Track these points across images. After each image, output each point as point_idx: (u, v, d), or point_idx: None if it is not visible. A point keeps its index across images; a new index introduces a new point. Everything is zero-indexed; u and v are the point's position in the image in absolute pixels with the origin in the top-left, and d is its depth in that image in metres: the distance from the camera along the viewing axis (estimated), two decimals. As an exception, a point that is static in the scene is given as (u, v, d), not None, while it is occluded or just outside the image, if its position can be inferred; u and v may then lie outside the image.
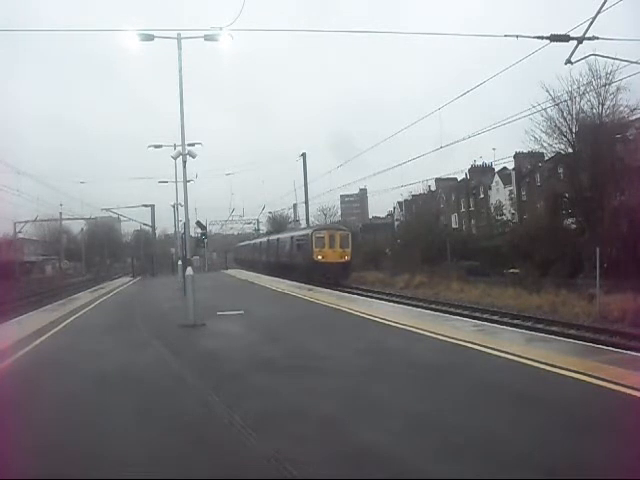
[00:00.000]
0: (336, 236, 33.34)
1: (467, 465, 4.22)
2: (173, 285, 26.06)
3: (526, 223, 34.20)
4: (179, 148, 15.79)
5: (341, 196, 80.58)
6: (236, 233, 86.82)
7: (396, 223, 60.25)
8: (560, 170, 32.35)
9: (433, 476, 4.10)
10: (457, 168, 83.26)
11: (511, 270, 27.08)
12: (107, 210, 50.92)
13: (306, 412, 5.73)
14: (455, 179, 57.53)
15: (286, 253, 39.42)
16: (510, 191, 47.36)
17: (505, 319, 16.48)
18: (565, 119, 29.49)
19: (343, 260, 32.70)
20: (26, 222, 58.32)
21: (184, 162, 15.47)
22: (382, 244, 48.93)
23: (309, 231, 34.73)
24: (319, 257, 32.18)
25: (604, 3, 12.31)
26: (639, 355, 7.52)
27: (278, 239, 43.71)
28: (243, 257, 65.16)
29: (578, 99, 28.63)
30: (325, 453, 4.60)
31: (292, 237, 38.55)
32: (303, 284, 25.62)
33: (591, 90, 27.79)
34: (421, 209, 51.73)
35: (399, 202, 61.39)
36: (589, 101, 28.80)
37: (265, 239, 51.00)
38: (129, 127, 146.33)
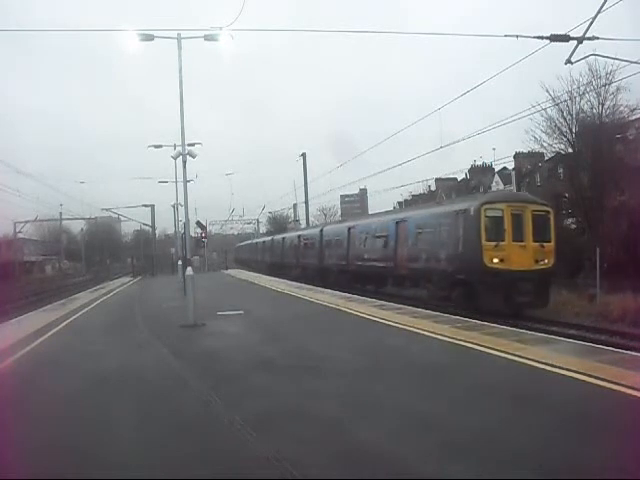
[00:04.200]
0: (527, 215, 16.61)
1: (467, 465, 4.22)
2: (173, 285, 26.05)
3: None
4: (179, 148, 15.81)
5: (341, 196, 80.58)
6: (236, 233, 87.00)
7: None
8: (560, 170, 32.35)
9: (433, 476, 4.10)
10: (457, 168, 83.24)
11: None
12: (107, 210, 51.03)
13: (306, 412, 5.72)
14: (455, 179, 57.58)
15: (336, 254, 28.01)
16: (510, 191, 47.30)
17: (504, 319, 16.41)
18: (565, 119, 29.50)
19: (542, 266, 16.48)
20: (26, 222, 58.46)
21: (184, 162, 15.49)
22: None
23: (467, 205, 17.42)
24: (495, 261, 16.04)
25: (604, 3, 12.30)
26: (639, 355, 7.52)
27: (299, 236, 36.26)
28: (245, 257, 64.73)
29: (578, 99, 28.64)
30: (325, 453, 4.60)
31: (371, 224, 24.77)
32: (303, 284, 25.59)
33: (591, 90, 27.81)
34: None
35: (399, 202, 61.43)
36: (589, 101, 28.81)
37: (279, 237, 43.78)
38: (129, 127, 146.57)
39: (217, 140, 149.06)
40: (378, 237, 23.21)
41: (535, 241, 16.44)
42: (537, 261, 16.42)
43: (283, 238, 41.93)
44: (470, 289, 16.36)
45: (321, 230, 31.89)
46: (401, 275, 20.72)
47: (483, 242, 16.15)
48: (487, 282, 15.87)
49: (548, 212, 17.26)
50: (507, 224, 16.33)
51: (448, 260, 17.30)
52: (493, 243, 16.13)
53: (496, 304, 15.63)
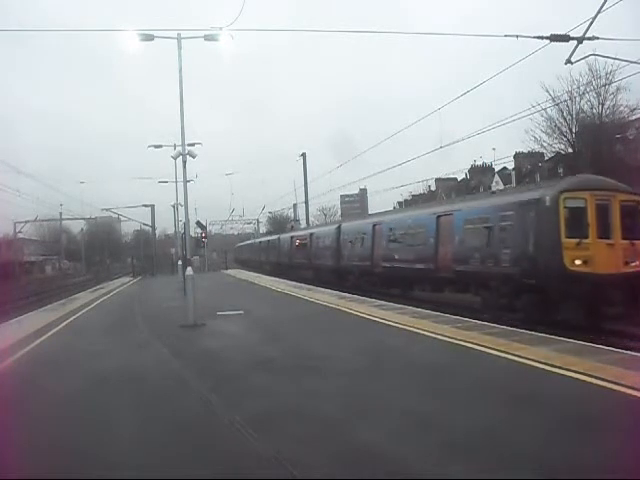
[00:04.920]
0: (615, 206, 13.81)
1: (467, 465, 4.22)
2: (173, 285, 26.04)
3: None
4: (179, 148, 15.81)
5: (341, 196, 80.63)
6: (236, 233, 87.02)
7: None
8: (560, 170, 32.37)
9: (433, 476, 4.10)
10: (457, 168, 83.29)
11: None
12: (107, 210, 50.98)
13: (306, 412, 5.73)
14: (455, 179, 57.68)
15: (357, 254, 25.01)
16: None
17: (504, 319, 16.42)
18: (565, 119, 29.58)
19: (633, 268, 13.53)
20: (26, 222, 58.46)
21: (184, 162, 15.49)
22: None
23: (539, 193, 14.37)
24: (578, 262, 13.20)
25: (604, 3, 12.31)
26: (639, 355, 7.52)
27: (315, 233, 32.76)
28: (246, 257, 64.17)
29: (578, 99, 28.72)
30: (326, 453, 4.60)
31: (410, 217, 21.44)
32: (303, 284, 25.58)
33: (591, 90, 27.87)
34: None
35: (399, 202, 61.48)
36: (589, 101, 28.89)
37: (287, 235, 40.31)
38: (129, 127, 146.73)
39: (217, 140, 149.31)
40: (413, 234, 20.08)
41: (624, 238, 13.40)
42: (627, 263, 13.32)
43: (292, 237, 39.07)
44: (543, 297, 13.32)
45: (338, 227, 28.76)
46: (443, 278, 17.67)
47: (563, 239, 13.16)
48: (568, 289, 12.71)
49: (638, 203, 14.05)
50: (591, 217, 13.29)
51: (513, 261, 14.32)
52: (575, 241, 13.13)
53: (580, 316, 12.73)
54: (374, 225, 23.80)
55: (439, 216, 18.43)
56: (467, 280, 16.39)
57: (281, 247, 41.39)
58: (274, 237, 46.27)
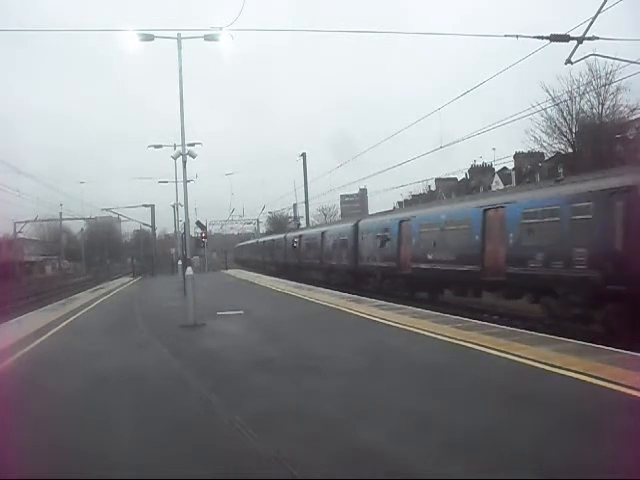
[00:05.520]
0: None
1: (467, 465, 4.22)
2: (173, 285, 26.04)
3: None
4: (179, 148, 15.81)
5: (341, 196, 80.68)
6: (236, 233, 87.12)
7: None
8: (560, 170, 32.38)
9: (433, 476, 4.10)
10: (457, 168, 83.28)
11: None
12: (107, 210, 51.03)
13: (306, 412, 5.72)
14: (455, 179, 57.68)
15: None
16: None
17: (504, 319, 16.42)
18: (565, 119, 29.60)
19: None
20: (26, 222, 58.49)
21: (184, 162, 15.49)
22: None
23: (629, 180, 11.70)
24: None
25: (604, 3, 12.30)
26: (639, 355, 7.51)
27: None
28: (247, 258, 63.64)
29: (578, 99, 28.75)
30: (326, 453, 4.60)
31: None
32: (303, 284, 25.56)
33: (591, 90, 27.89)
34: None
35: (399, 202, 61.47)
36: (589, 101, 28.92)
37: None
38: (129, 127, 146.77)
39: (217, 140, 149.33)
40: (452, 231, 17.80)
41: None
42: None
43: (300, 235, 37.13)
44: (635, 307, 10.83)
45: (355, 225, 26.21)
46: (490, 282, 15.62)
47: None
48: None
49: None
50: None
51: (592, 263, 11.91)
52: None
53: None
54: (401, 221, 21.50)
55: (486, 209, 16.13)
56: (523, 284, 14.30)
57: (288, 246, 39.34)
58: (280, 236, 44.26)
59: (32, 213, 57.75)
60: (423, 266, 19.09)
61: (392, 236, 21.89)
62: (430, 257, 18.71)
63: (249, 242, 69.47)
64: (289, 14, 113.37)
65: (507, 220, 15.00)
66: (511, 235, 14.79)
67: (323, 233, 31.25)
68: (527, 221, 14.26)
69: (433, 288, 19.56)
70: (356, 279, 25.31)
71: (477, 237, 16.29)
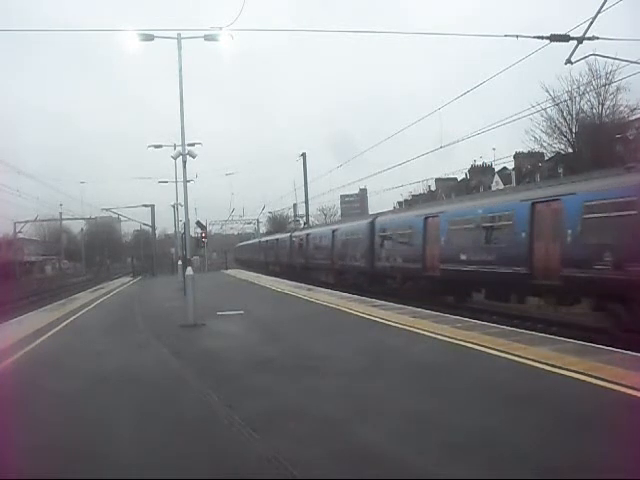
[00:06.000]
0: None
1: (467, 465, 4.22)
2: (173, 285, 26.05)
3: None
4: (179, 148, 15.81)
5: (341, 196, 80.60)
6: (236, 233, 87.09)
7: None
8: (560, 170, 32.40)
9: (433, 476, 4.10)
10: (457, 168, 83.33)
11: None
12: (107, 210, 50.96)
13: (306, 412, 5.72)
14: (455, 179, 57.68)
15: None
16: None
17: (504, 319, 16.40)
18: (565, 119, 29.62)
19: None
20: (26, 222, 58.49)
21: (184, 162, 15.49)
22: None
23: None
24: None
25: (604, 3, 12.30)
26: (639, 355, 7.51)
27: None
28: (247, 258, 62.53)
29: (578, 99, 28.77)
30: (326, 453, 4.60)
31: None
32: (303, 284, 25.56)
33: (591, 90, 27.91)
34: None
35: (399, 202, 61.46)
36: (589, 101, 28.94)
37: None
38: (129, 127, 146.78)
39: (217, 140, 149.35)
40: (491, 229, 16.04)
41: None
42: None
43: (307, 234, 35.17)
44: None
45: (372, 222, 24.24)
46: (541, 285, 13.93)
47: None
48: None
49: None
50: None
51: None
52: None
53: None
54: (426, 218, 19.46)
55: (534, 203, 14.42)
56: (583, 289, 12.70)
57: (294, 246, 37.42)
58: (285, 235, 42.18)
59: (32, 213, 57.85)
60: (454, 267, 17.10)
61: (416, 234, 19.96)
62: (464, 257, 16.73)
63: (250, 242, 68.89)
64: (289, 14, 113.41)
65: (564, 216, 13.22)
66: (569, 232, 12.97)
67: (334, 231, 29.30)
68: (593, 216, 12.37)
69: (466, 291, 17.77)
70: (372, 281, 23.59)
71: (523, 235, 14.48)
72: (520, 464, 4.21)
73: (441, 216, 18.69)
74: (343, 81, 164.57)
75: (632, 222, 11.24)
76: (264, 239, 54.97)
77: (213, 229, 73.18)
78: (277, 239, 45.06)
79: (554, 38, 12.81)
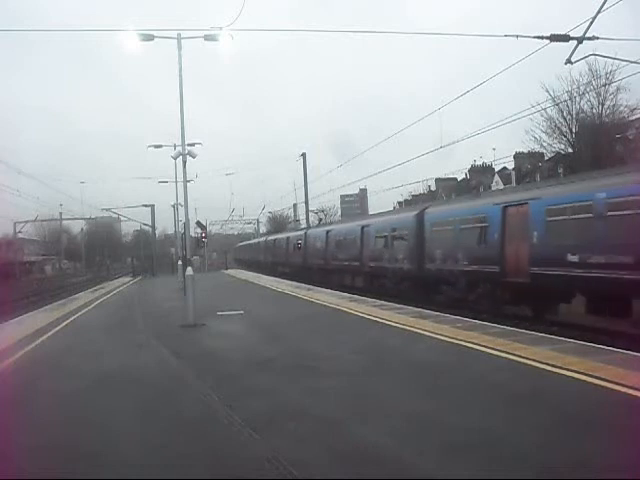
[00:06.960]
0: None
1: (467, 465, 4.22)
2: (173, 285, 26.05)
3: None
4: (179, 148, 15.80)
5: (341, 196, 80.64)
6: (236, 233, 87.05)
7: None
8: (560, 170, 32.37)
9: (433, 476, 4.10)
10: (457, 168, 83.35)
11: None
12: (107, 210, 50.95)
13: (306, 412, 5.72)
14: (455, 179, 57.71)
15: None
16: None
17: (504, 319, 16.35)
18: (565, 119, 29.60)
19: None
20: (26, 222, 58.52)
21: (184, 162, 15.49)
22: None
23: None
24: None
25: (604, 3, 12.30)
26: (639, 355, 7.51)
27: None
28: (248, 258, 61.85)
29: (578, 99, 28.74)
30: (325, 453, 4.59)
31: None
32: (302, 284, 25.55)
33: (591, 90, 27.88)
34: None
35: (399, 202, 61.48)
36: (589, 101, 28.90)
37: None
38: (129, 127, 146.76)
39: (217, 140, 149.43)
40: (615, 219, 11.59)
41: None
42: None
43: (327, 232, 30.85)
44: None
45: (419, 215, 20.35)
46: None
47: None
48: None
49: None
50: None
51: None
52: None
53: None
54: (505, 207, 15.26)
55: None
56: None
57: (309, 246, 33.39)
58: (298, 233, 38.26)
59: (32, 213, 57.93)
60: (555, 271, 13.00)
61: (489, 229, 15.93)
62: (574, 259, 12.52)
63: (253, 241, 67.99)
64: (289, 14, 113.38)
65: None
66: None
67: (363, 227, 25.11)
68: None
69: (561, 301, 14.14)
70: (422, 287, 19.38)
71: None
72: (520, 464, 4.21)
73: (532, 204, 14.22)
74: (343, 81, 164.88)
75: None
76: (270, 237, 50.23)
77: (213, 229, 73.23)
78: (288, 237, 40.47)
79: (554, 38, 12.80)
